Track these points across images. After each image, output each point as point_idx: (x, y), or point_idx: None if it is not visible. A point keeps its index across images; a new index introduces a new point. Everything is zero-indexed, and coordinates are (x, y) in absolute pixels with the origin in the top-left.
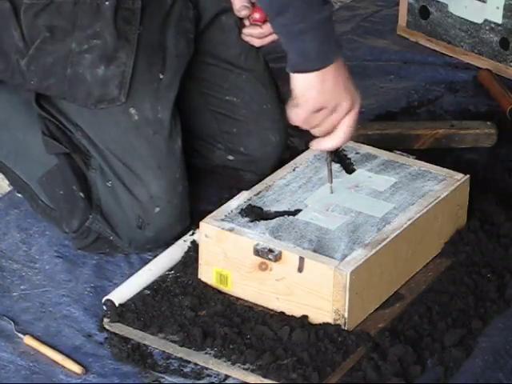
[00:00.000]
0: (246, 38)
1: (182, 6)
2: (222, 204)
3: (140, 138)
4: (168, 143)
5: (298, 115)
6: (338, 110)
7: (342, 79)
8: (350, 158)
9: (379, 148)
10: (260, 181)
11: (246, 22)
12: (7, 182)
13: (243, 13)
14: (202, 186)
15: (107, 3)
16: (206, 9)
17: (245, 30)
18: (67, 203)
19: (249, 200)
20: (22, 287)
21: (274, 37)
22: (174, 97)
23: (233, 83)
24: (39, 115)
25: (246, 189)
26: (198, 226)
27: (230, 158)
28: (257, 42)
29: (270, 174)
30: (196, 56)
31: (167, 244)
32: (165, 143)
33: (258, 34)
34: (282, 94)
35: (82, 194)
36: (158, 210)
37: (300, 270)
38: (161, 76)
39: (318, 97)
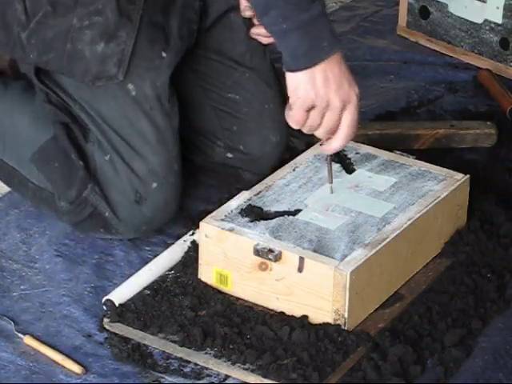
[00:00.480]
0: (254, 37)
1: None
2: (222, 204)
3: (138, 113)
4: (166, 120)
5: (291, 115)
6: (330, 109)
7: (334, 76)
8: (349, 158)
9: (379, 148)
10: (260, 180)
11: (255, 21)
12: None
13: (247, 13)
14: (202, 185)
15: None
16: (214, 4)
17: (252, 30)
18: (65, 174)
19: (249, 200)
20: (21, 287)
21: None
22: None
23: (236, 81)
24: (38, 88)
25: (246, 188)
26: (198, 226)
27: (229, 155)
28: (264, 40)
29: (269, 174)
30: (201, 51)
31: (160, 228)
32: (163, 119)
33: (264, 33)
34: (286, 95)
35: (81, 163)
36: (155, 185)
37: (300, 270)
38: (163, 54)
39: (306, 95)
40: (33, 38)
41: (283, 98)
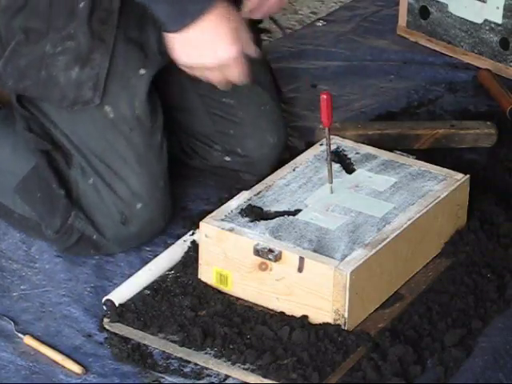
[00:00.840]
0: (248, 16)
1: None
2: (222, 204)
3: (117, 136)
4: (146, 139)
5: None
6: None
7: (208, 37)
8: (350, 158)
9: (379, 148)
10: (259, 181)
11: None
12: None
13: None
14: (202, 185)
15: (82, 4)
16: None
17: (243, 11)
18: (47, 204)
19: (249, 200)
20: (21, 287)
21: (269, 4)
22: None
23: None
24: (19, 116)
25: (246, 188)
26: (198, 226)
27: (227, 159)
28: (257, 15)
29: (269, 175)
30: None
31: (149, 240)
32: (143, 139)
33: (252, 5)
34: (282, 94)
35: (62, 192)
36: (140, 205)
37: (300, 270)
38: (141, 71)
39: (179, 58)
40: (8, 67)
41: (279, 99)
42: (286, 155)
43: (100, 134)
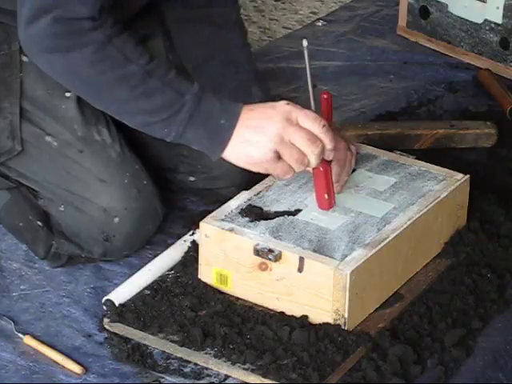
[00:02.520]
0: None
1: None
2: (222, 204)
3: (68, 161)
4: (101, 154)
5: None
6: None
7: (251, 135)
8: None
9: (379, 148)
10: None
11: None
12: None
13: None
14: (187, 202)
15: None
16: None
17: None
18: (28, 233)
19: (249, 200)
20: (21, 287)
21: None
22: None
23: None
24: None
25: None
26: (198, 226)
27: (191, 179)
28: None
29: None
30: None
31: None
32: (98, 156)
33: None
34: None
35: (39, 223)
36: (117, 220)
37: (300, 270)
38: (67, 94)
39: (248, 165)
40: None
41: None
42: None
43: (51, 165)
